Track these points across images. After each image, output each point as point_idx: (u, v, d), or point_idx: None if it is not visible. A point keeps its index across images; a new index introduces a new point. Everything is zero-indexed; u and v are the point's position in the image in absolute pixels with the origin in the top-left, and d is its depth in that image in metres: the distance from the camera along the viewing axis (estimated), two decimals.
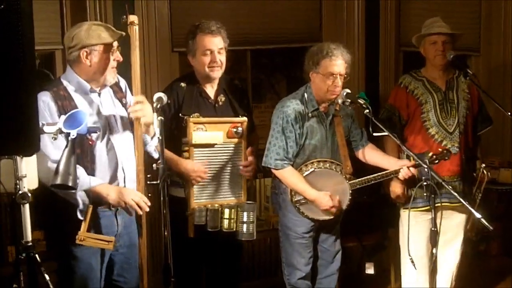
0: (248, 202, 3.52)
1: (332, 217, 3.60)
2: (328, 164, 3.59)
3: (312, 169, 3.56)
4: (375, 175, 3.59)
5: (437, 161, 3.56)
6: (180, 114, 3.47)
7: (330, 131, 3.62)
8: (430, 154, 3.52)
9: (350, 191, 3.59)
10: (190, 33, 3.51)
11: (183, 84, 3.55)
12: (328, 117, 3.61)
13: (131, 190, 2.99)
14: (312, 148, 3.57)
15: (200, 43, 3.46)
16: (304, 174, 3.55)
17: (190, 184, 3.44)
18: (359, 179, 3.59)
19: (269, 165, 3.56)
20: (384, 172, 3.59)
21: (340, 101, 3.48)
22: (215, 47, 3.45)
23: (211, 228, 3.43)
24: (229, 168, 3.53)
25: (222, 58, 3.50)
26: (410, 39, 3.95)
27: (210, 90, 3.58)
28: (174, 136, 3.47)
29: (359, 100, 3.41)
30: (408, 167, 3.53)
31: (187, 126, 3.40)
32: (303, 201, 3.57)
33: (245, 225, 3.47)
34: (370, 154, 3.76)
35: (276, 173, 3.58)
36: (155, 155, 3.12)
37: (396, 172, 3.57)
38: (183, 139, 3.43)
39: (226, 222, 3.44)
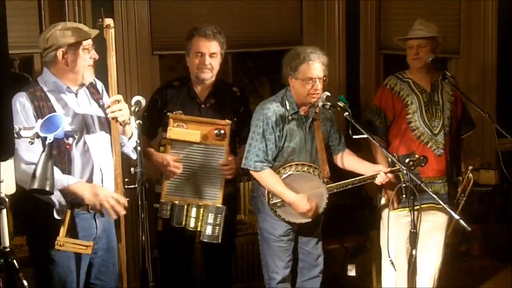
0: (218, 205, 3.51)
1: (308, 220, 3.59)
2: (306, 168, 3.59)
3: (290, 172, 3.56)
4: (352, 179, 3.59)
5: (413, 168, 3.56)
6: (164, 111, 3.52)
7: (310, 135, 3.62)
8: (407, 160, 3.51)
9: (327, 195, 3.59)
10: (188, 34, 3.60)
11: (175, 83, 3.65)
12: (308, 120, 3.61)
13: (108, 192, 2.95)
14: (290, 151, 3.57)
15: (194, 45, 3.55)
16: (282, 177, 3.55)
17: (165, 177, 3.47)
18: (336, 183, 3.59)
19: (248, 167, 3.55)
20: (361, 177, 3.59)
21: (320, 104, 3.49)
22: (206, 51, 3.52)
23: (176, 224, 3.45)
24: (208, 170, 3.53)
25: (213, 62, 3.55)
26: (390, 42, 3.98)
27: (201, 91, 3.62)
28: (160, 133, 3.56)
29: (338, 103, 3.41)
30: (385, 173, 3.53)
31: (168, 122, 3.44)
32: (280, 204, 3.56)
33: (209, 227, 3.47)
34: (347, 160, 3.75)
35: (255, 175, 3.57)
36: (133, 156, 3.09)
37: (373, 177, 3.57)
38: (162, 133, 3.48)
39: (192, 221, 3.46)
